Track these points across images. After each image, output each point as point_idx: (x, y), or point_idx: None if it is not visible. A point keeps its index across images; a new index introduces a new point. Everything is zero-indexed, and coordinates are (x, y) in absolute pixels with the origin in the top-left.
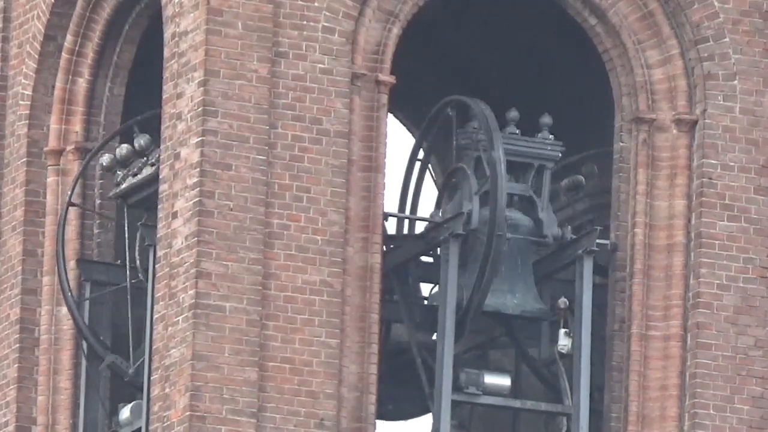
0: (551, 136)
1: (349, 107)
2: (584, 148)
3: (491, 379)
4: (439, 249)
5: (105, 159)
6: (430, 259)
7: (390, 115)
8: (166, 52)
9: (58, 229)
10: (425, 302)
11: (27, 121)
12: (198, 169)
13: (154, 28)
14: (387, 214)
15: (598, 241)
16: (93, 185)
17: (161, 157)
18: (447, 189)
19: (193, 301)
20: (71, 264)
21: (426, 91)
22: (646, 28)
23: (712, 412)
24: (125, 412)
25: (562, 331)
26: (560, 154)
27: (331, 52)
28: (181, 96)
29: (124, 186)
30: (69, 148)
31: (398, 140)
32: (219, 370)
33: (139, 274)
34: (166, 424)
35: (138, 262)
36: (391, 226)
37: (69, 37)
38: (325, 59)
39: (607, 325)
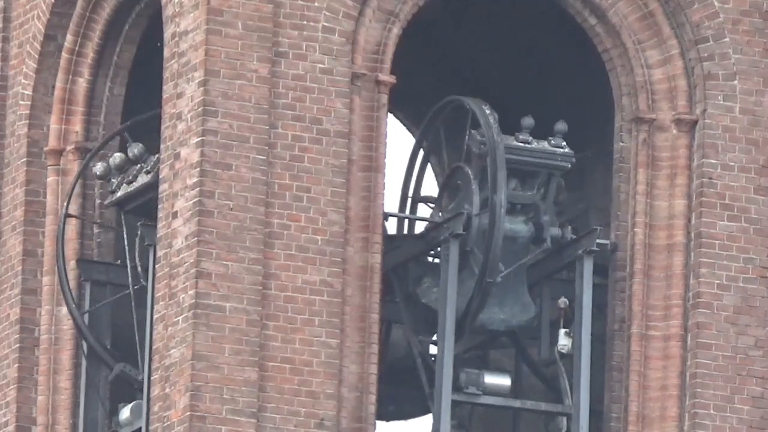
0: (564, 144)
1: (349, 107)
2: (584, 148)
3: (491, 379)
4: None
5: (99, 167)
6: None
7: (390, 115)
8: (166, 52)
9: (58, 229)
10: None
11: (27, 121)
12: (198, 169)
13: (154, 28)
14: (387, 214)
15: (598, 241)
16: (93, 185)
17: (161, 157)
18: (447, 188)
19: (193, 301)
20: (71, 264)
21: (426, 91)
22: (646, 28)
23: (712, 412)
24: (125, 412)
25: (562, 331)
26: (570, 165)
27: (331, 52)
28: (181, 96)
29: (119, 194)
30: (69, 148)
31: (398, 140)
32: (219, 370)
33: (141, 279)
34: (166, 424)
35: (138, 263)
36: (391, 226)
37: (69, 37)
38: (325, 59)
39: (607, 325)
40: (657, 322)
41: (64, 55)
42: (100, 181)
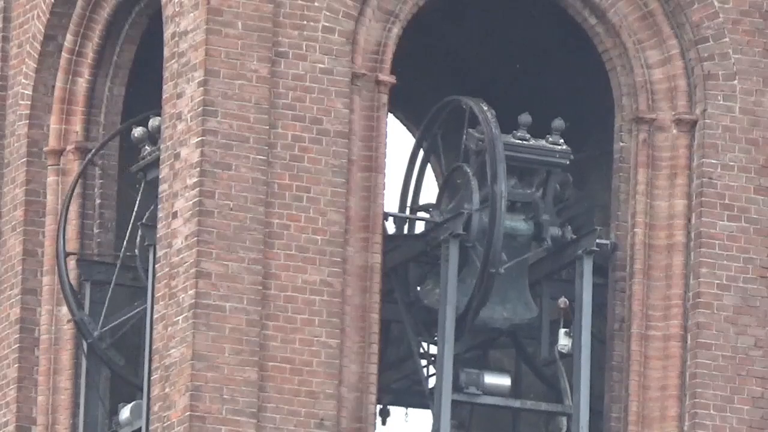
0: (561, 141)
1: (349, 107)
2: (584, 148)
3: (491, 379)
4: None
5: (138, 131)
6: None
7: (390, 115)
8: (166, 52)
9: (58, 229)
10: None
11: (27, 121)
12: (198, 169)
13: (154, 28)
14: (387, 214)
15: (598, 241)
16: (93, 185)
17: (161, 157)
18: (447, 189)
19: (193, 300)
20: (71, 264)
21: (426, 91)
22: (646, 28)
23: (712, 412)
24: (125, 412)
25: (562, 331)
26: (568, 162)
27: (331, 52)
28: (181, 96)
29: (148, 159)
30: (69, 148)
31: (398, 140)
32: (219, 370)
33: (138, 268)
34: (166, 424)
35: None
36: (391, 226)
37: (69, 37)
38: (325, 59)
39: (607, 325)
40: (657, 322)
41: (64, 55)
42: (101, 181)
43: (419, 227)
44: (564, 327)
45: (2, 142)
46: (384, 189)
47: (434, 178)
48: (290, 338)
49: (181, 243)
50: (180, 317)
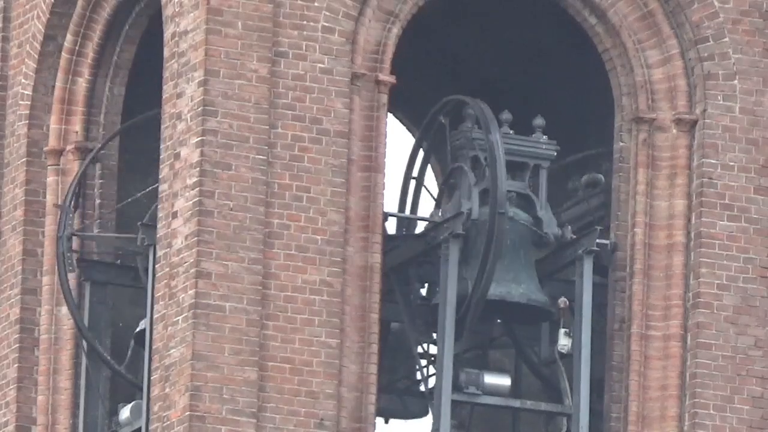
0: (545, 137)
1: (349, 107)
2: (584, 148)
3: (491, 379)
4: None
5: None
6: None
7: (390, 115)
8: (166, 52)
9: (58, 229)
10: (425, 302)
11: (27, 121)
12: (198, 169)
13: (154, 28)
14: (387, 214)
15: (598, 241)
16: (93, 185)
17: (161, 157)
18: (446, 189)
19: (193, 301)
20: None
21: (426, 91)
22: (646, 28)
23: (712, 412)
24: (125, 412)
25: (562, 331)
26: (555, 153)
27: (331, 52)
28: (181, 96)
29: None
30: (69, 148)
31: (398, 140)
32: (219, 370)
33: (139, 268)
34: (166, 424)
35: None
36: (391, 226)
37: (69, 37)
38: (325, 59)
39: (607, 325)
40: (657, 322)
41: (64, 55)
42: (101, 181)
43: (420, 227)
44: (564, 327)
45: (2, 142)
46: (384, 189)
47: (434, 178)
48: (290, 338)
49: (181, 243)
50: (180, 317)
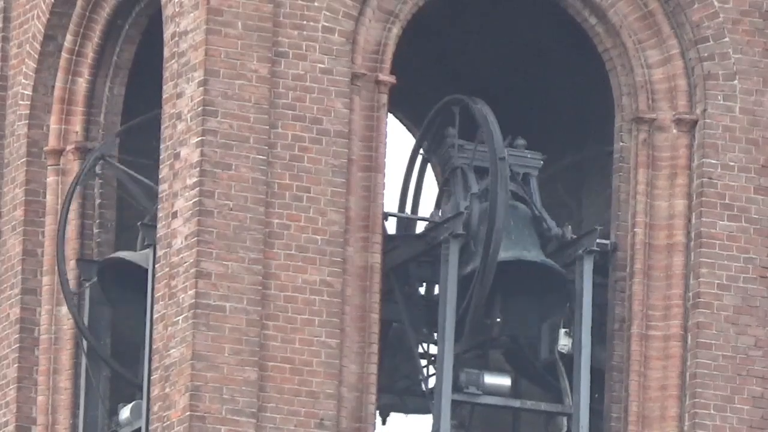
0: (528, 152)
1: (349, 107)
2: (584, 148)
3: (491, 379)
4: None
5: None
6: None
7: (390, 115)
8: (166, 52)
9: (58, 229)
10: (425, 302)
11: (27, 121)
12: (198, 169)
13: (154, 28)
14: (387, 214)
15: (598, 241)
16: (93, 185)
17: (161, 157)
18: (447, 189)
19: (193, 300)
20: (71, 264)
21: (426, 91)
22: (646, 28)
23: (712, 412)
24: (125, 412)
25: (562, 331)
26: (542, 163)
27: (331, 52)
28: (181, 96)
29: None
30: (69, 148)
31: (398, 140)
32: (219, 370)
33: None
34: (166, 424)
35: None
36: (391, 226)
37: (69, 37)
38: (325, 59)
39: (607, 325)
40: (657, 322)
41: (64, 55)
42: (101, 181)
43: (420, 227)
44: (564, 327)
45: (2, 142)
46: (384, 189)
47: (434, 178)
48: (290, 338)
49: (181, 243)
50: (180, 317)
